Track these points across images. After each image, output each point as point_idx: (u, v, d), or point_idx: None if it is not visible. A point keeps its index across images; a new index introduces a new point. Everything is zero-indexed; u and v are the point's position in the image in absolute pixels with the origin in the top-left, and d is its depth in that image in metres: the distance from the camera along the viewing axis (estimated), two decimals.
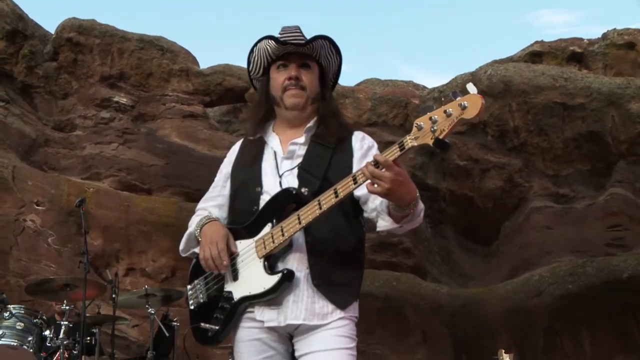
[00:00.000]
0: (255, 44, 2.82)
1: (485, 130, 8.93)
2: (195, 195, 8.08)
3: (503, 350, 4.58)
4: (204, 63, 11.06)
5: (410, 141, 2.35)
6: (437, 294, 8.13)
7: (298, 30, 2.81)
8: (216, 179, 2.94)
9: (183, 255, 2.91)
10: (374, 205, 2.61)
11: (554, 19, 31.28)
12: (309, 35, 2.83)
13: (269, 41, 2.77)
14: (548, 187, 8.68)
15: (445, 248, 9.21)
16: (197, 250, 2.79)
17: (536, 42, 9.61)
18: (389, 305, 7.88)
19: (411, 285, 8.11)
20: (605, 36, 9.26)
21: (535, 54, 9.46)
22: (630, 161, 8.32)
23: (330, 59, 2.85)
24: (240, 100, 9.81)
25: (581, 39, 9.48)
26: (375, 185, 2.38)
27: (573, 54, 9.30)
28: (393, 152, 2.38)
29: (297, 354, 2.63)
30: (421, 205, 2.56)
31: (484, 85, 8.71)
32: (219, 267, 2.65)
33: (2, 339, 5.10)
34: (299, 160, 2.73)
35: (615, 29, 9.26)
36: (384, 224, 2.58)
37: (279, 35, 2.79)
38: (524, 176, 8.81)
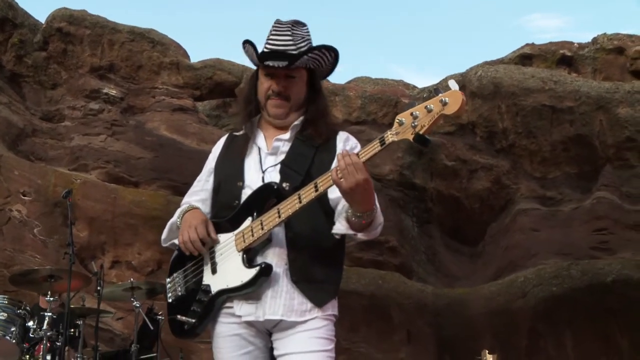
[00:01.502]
0: (245, 42, 2.79)
1: (474, 131, 8.95)
2: (182, 188, 8.02)
3: (487, 351, 4.59)
4: (195, 57, 11.02)
5: (390, 136, 2.37)
6: (422, 293, 8.15)
7: (288, 35, 2.75)
8: (201, 173, 2.95)
9: (163, 245, 2.92)
10: (339, 207, 2.63)
11: (545, 23, 31.38)
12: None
13: (255, 53, 2.76)
14: (535, 189, 8.71)
15: (432, 248, 9.23)
16: (176, 241, 2.80)
17: (527, 45, 9.63)
18: (374, 304, 7.90)
19: (397, 284, 8.12)
20: (595, 41, 9.30)
21: (526, 57, 9.48)
22: (617, 165, 8.36)
23: (322, 60, 2.82)
24: (230, 95, 9.79)
25: (571, 43, 9.51)
26: (341, 178, 2.39)
27: (563, 57, 9.32)
28: (374, 147, 2.40)
29: (275, 353, 2.64)
30: (380, 220, 2.58)
31: (474, 86, 8.73)
32: (198, 250, 2.65)
33: None
34: (283, 156, 2.75)
35: (605, 33, 9.29)
36: (339, 227, 2.60)
37: (269, 36, 2.77)
38: (512, 178, 8.84)
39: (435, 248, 9.25)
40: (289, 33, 2.75)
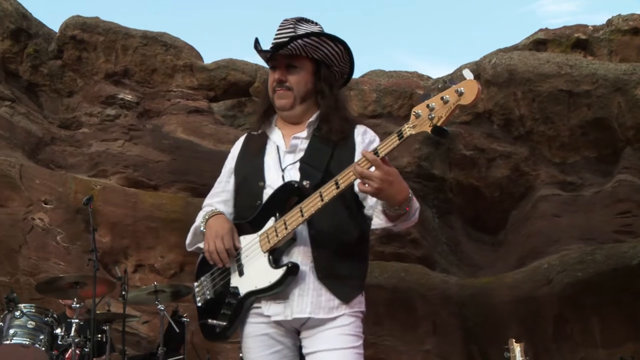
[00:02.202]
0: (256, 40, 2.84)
1: (490, 120, 8.90)
2: (201, 190, 8.09)
3: (514, 340, 4.57)
4: (208, 58, 11.05)
5: (408, 130, 2.36)
6: (445, 284, 8.12)
7: (290, 29, 2.76)
8: (221, 174, 2.96)
9: (189, 249, 2.93)
10: (372, 202, 2.63)
11: (557, 7, 31.12)
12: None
13: (257, 45, 2.80)
14: (555, 175, 8.65)
15: (453, 238, 9.20)
16: (202, 245, 2.80)
17: (540, 30, 9.55)
18: (398, 297, 7.88)
19: (420, 276, 8.11)
20: (610, 22, 9.20)
21: (540, 42, 9.41)
22: (637, 147, 8.27)
23: (325, 49, 2.77)
24: (245, 95, 9.81)
25: (586, 26, 9.42)
26: (366, 185, 2.39)
27: (578, 41, 9.24)
28: (392, 142, 2.39)
29: (304, 351, 2.65)
30: (416, 205, 2.58)
31: (489, 74, 8.67)
32: (224, 262, 2.66)
33: (14, 338, 5.14)
34: (302, 154, 2.75)
35: (620, 14, 9.19)
36: (378, 222, 2.60)
37: (275, 34, 2.80)
38: (531, 165, 8.78)
39: (456, 238, 9.21)
40: (291, 27, 2.76)
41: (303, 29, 2.77)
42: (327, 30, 2.81)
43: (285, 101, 2.78)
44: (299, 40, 2.71)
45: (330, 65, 2.81)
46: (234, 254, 2.69)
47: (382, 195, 2.43)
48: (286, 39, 2.72)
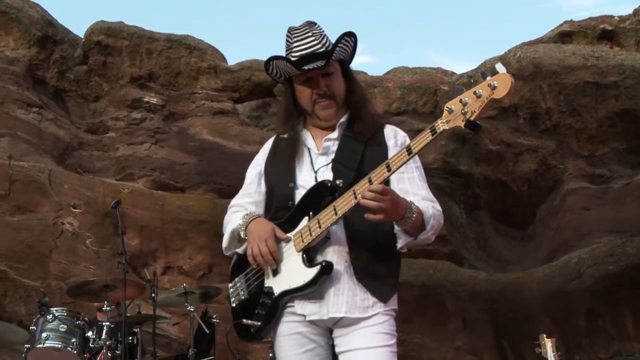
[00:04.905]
0: (271, 60, 2.79)
1: (516, 114, 8.83)
2: (228, 191, 8.12)
3: (545, 335, 4.53)
4: (232, 59, 11.07)
5: (441, 125, 2.36)
6: (474, 280, 8.07)
7: (309, 36, 2.74)
8: (249, 176, 2.95)
9: (226, 253, 2.93)
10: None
11: (582, 1, 30.75)
12: (324, 24, 2.79)
13: (288, 64, 2.74)
14: (583, 167, 8.56)
15: (481, 234, 9.14)
16: (239, 250, 2.82)
17: (565, 22, 9.45)
18: (427, 294, 7.85)
19: (448, 273, 8.07)
20: (636, 12, 9.07)
21: (565, 34, 9.30)
22: None
23: (348, 48, 2.81)
24: (270, 95, 9.83)
25: (612, 17, 9.29)
26: (382, 215, 2.49)
27: (604, 32, 9.12)
28: (425, 137, 2.40)
29: (337, 349, 2.66)
30: (426, 212, 2.61)
31: (514, 68, 8.60)
32: (270, 264, 2.66)
33: (47, 342, 5.20)
34: (334, 155, 2.75)
35: None
36: (400, 241, 2.66)
37: (291, 44, 2.75)
38: (558, 158, 8.70)
39: (485, 234, 9.16)
40: (310, 34, 2.74)
41: (318, 32, 2.76)
42: (350, 28, 2.82)
43: (331, 110, 2.77)
44: (337, 48, 2.72)
45: (348, 60, 2.85)
46: (279, 257, 2.68)
47: (389, 217, 2.52)
48: (321, 48, 2.70)
